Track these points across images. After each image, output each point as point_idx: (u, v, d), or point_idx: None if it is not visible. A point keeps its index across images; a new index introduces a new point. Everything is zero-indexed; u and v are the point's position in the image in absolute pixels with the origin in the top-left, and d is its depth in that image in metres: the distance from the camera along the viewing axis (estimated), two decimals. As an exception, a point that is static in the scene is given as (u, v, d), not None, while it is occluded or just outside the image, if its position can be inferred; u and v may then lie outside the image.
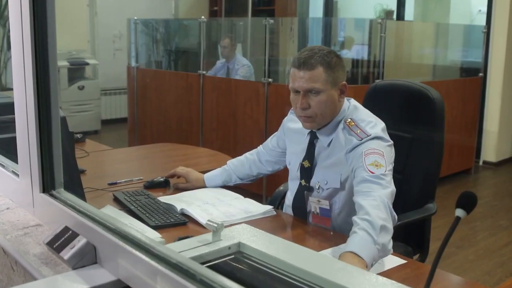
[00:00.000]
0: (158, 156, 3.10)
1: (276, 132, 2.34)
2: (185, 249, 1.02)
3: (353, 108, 2.01)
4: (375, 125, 1.93)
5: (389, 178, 1.80)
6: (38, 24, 1.31)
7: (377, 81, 4.67)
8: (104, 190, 2.32)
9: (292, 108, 2.15)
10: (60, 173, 1.34)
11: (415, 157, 2.34)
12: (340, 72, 1.94)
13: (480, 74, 5.79)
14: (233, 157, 2.46)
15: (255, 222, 2.00)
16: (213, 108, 5.26)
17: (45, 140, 1.34)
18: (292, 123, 2.19)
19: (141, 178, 2.50)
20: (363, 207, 1.68)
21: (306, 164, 2.05)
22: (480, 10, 8.20)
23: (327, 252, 1.72)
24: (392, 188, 1.78)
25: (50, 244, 1.17)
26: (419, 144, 2.35)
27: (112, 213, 1.26)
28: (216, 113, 5.23)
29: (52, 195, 1.35)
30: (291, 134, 2.18)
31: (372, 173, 1.77)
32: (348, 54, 5.35)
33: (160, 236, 1.53)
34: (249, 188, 2.71)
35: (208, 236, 1.06)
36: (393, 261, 1.70)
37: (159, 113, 5.99)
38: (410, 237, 2.38)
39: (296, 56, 1.94)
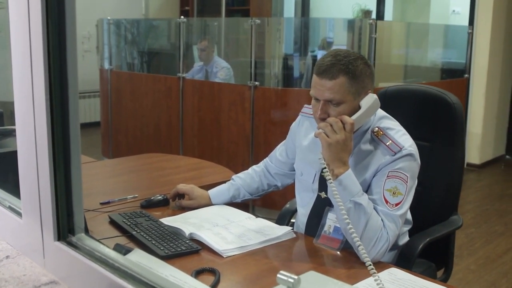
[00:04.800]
0: (149, 169, 2.84)
1: (283, 141, 2.15)
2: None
3: (379, 116, 1.86)
4: (404, 133, 1.82)
5: (402, 212, 1.73)
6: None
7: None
8: (97, 211, 2.06)
9: (302, 110, 2.05)
10: (81, 213, 0.98)
11: (435, 166, 2.17)
12: (367, 80, 1.77)
13: (466, 75, 5.70)
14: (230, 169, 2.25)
15: (274, 247, 1.79)
16: (194, 113, 4.98)
17: (60, 166, 0.96)
18: (303, 132, 2.00)
19: (136, 195, 2.25)
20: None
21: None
22: (454, 11, 8.16)
23: (367, 282, 1.52)
24: (396, 232, 1.73)
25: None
26: (439, 153, 2.19)
27: (144, 260, 1.01)
28: (198, 118, 4.95)
29: (70, 244, 0.99)
30: (302, 143, 2.00)
31: (387, 202, 1.71)
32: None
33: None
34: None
35: (279, 294, 0.84)
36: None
37: (135, 118, 5.68)
38: (431, 252, 2.22)
39: (319, 62, 1.77)
